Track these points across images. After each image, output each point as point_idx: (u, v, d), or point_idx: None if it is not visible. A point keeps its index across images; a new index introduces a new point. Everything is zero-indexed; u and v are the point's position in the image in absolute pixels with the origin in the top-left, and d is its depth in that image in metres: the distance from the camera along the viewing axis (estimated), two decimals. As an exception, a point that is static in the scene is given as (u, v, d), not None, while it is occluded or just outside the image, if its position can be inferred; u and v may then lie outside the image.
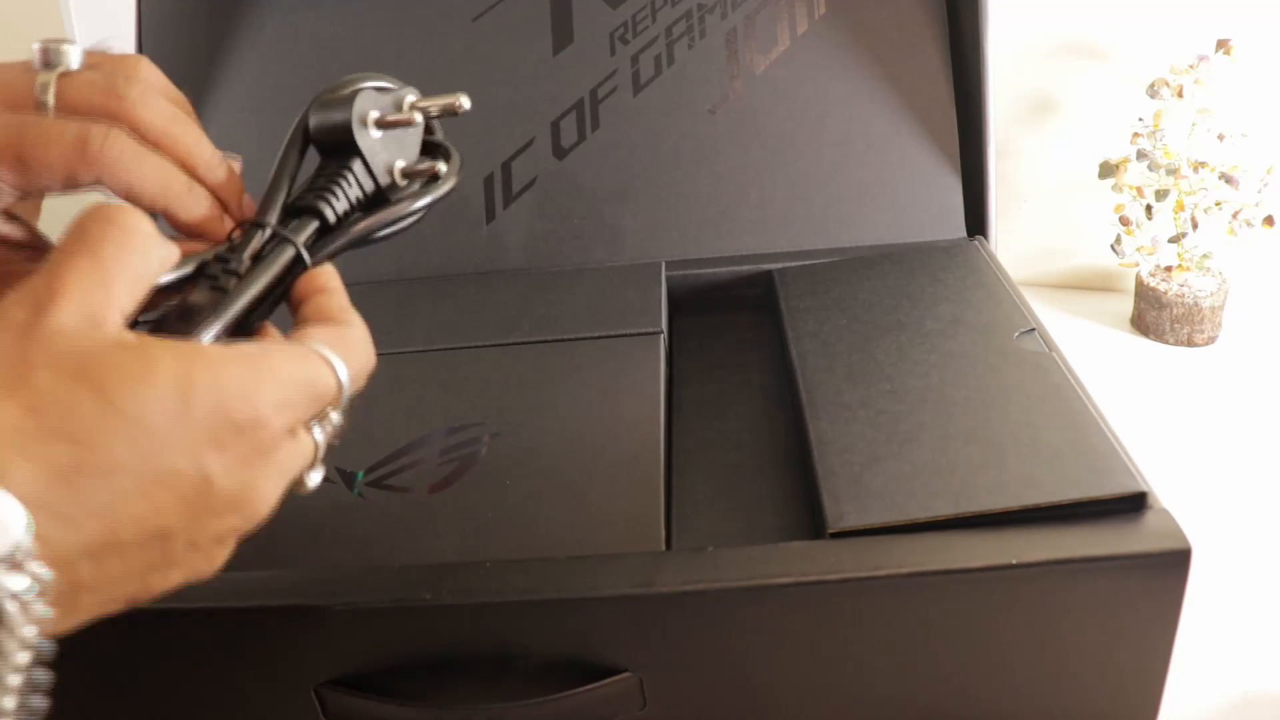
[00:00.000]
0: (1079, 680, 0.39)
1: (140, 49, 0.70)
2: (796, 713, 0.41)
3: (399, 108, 0.35)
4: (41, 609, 0.22)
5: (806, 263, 0.61)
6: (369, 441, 0.48)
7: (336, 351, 0.28)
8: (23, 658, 0.22)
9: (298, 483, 0.29)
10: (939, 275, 0.56)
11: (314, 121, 0.34)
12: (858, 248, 0.62)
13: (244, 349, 0.26)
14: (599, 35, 0.66)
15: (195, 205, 0.32)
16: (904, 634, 0.38)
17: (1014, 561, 0.36)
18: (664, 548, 0.41)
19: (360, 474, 0.46)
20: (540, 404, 0.49)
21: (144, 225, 0.27)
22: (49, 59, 0.31)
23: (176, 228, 0.33)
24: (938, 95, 0.64)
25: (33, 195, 0.32)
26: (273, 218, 0.32)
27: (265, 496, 0.26)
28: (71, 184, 0.30)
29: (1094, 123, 0.85)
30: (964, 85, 0.64)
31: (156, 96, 0.32)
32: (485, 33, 0.67)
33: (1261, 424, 0.72)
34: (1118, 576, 0.36)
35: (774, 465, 0.47)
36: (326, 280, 0.31)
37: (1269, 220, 0.78)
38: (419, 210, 0.34)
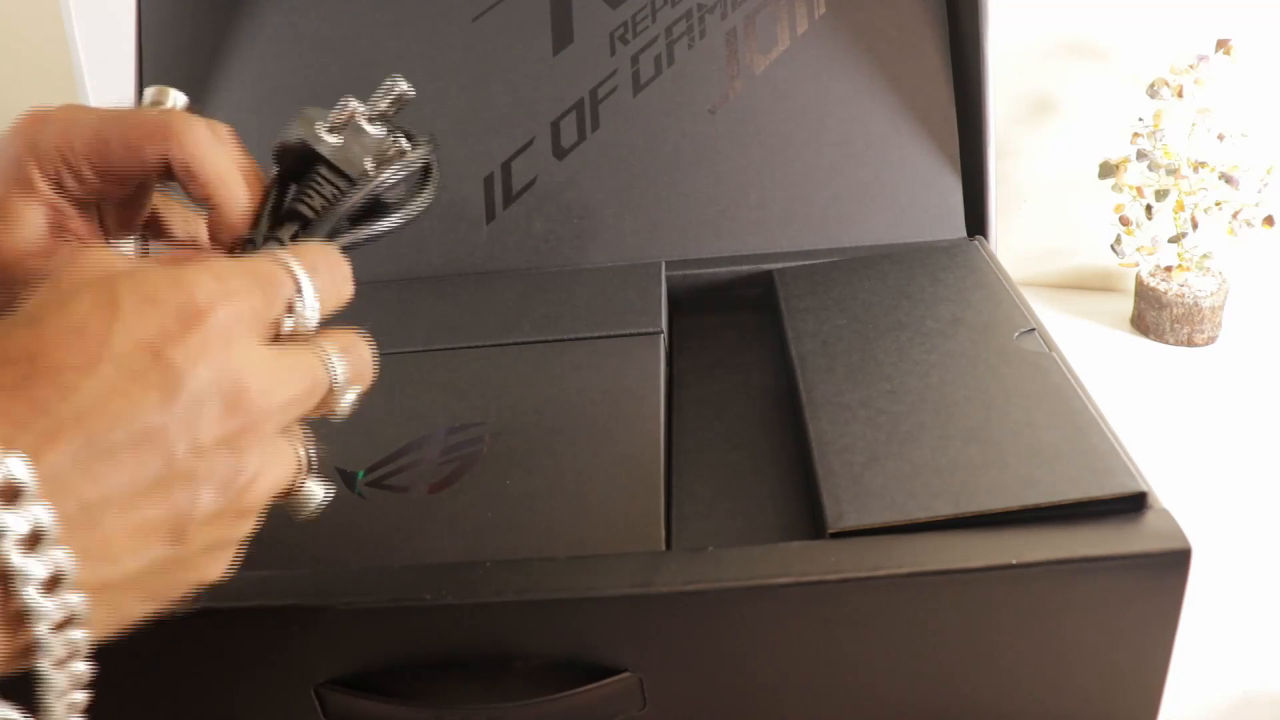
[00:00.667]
0: (1079, 680, 0.39)
1: (140, 49, 0.70)
2: (796, 713, 0.41)
3: (347, 115, 0.37)
4: (60, 554, 0.22)
5: (806, 263, 0.61)
6: (369, 441, 0.48)
7: (341, 354, 0.29)
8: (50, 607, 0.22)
9: (299, 503, 0.30)
10: (939, 275, 0.56)
11: (274, 148, 0.36)
12: (858, 248, 0.62)
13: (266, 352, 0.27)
14: (599, 35, 0.66)
15: (238, 203, 0.34)
16: (904, 634, 0.38)
17: (1014, 561, 0.36)
18: (664, 548, 0.41)
19: (360, 474, 0.46)
20: (540, 404, 0.49)
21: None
22: (158, 98, 0.36)
23: (211, 225, 0.34)
24: (938, 95, 0.64)
25: (111, 187, 0.34)
26: (260, 230, 0.34)
27: (255, 463, 0.27)
28: (146, 169, 0.33)
29: (1094, 123, 0.85)
30: (964, 85, 0.64)
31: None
32: (485, 33, 0.67)
33: (1261, 424, 0.72)
34: (1118, 576, 0.36)
35: (774, 465, 0.47)
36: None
37: (1269, 220, 0.78)
38: (388, 181, 0.35)
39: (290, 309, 0.29)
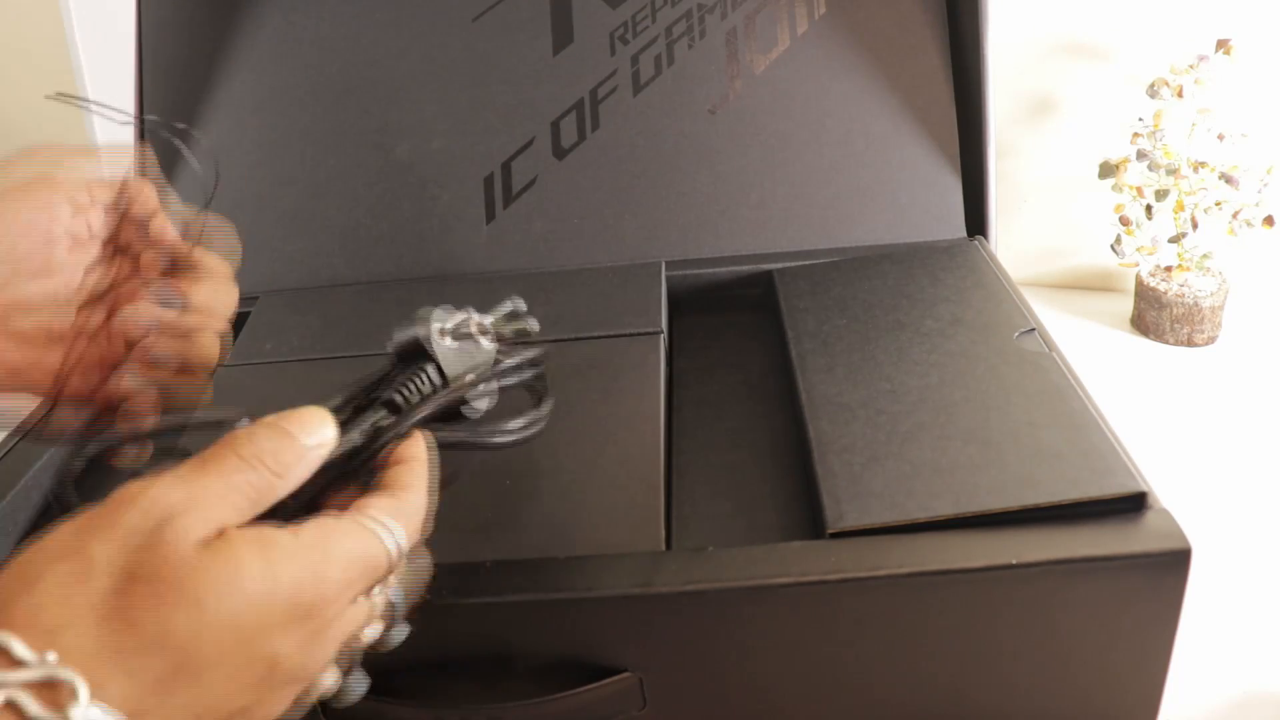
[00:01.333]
0: (1079, 680, 0.39)
1: (140, 49, 0.70)
2: (796, 713, 0.41)
3: (468, 326, 0.39)
4: None
5: (806, 263, 0.61)
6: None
7: (397, 520, 0.30)
8: None
9: (380, 642, 0.31)
10: (939, 275, 0.56)
11: (393, 340, 0.38)
12: (858, 248, 0.62)
13: (311, 534, 0.28)
14: (599, 35, 0.66)
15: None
16: (904, 634, 0.38)
17: (1014, 561, 0.36)
18: (664, 548, 0.41)
19: (360, 474, 0.46)
20: (540, 404, 0.49)
21: (276, 469, 0.29)
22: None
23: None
24: (938, 95, 0.64)
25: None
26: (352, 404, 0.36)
27: (322, 662, 0.28)
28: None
29: (1094, 123, 0.85)
30: (964, 85, 0.64)
31: None
32: (485, 33, 0.67)
33: (1261, 424, 0.72)
34: (1118, 576, 0.36)
35: (774, 465, 0.47)
36: (411, 451, 0.33)
37: (1269, 220, 0.78)
38: (479, 389, 0.38)
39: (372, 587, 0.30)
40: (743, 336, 0.59)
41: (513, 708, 0.39)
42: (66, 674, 0.23)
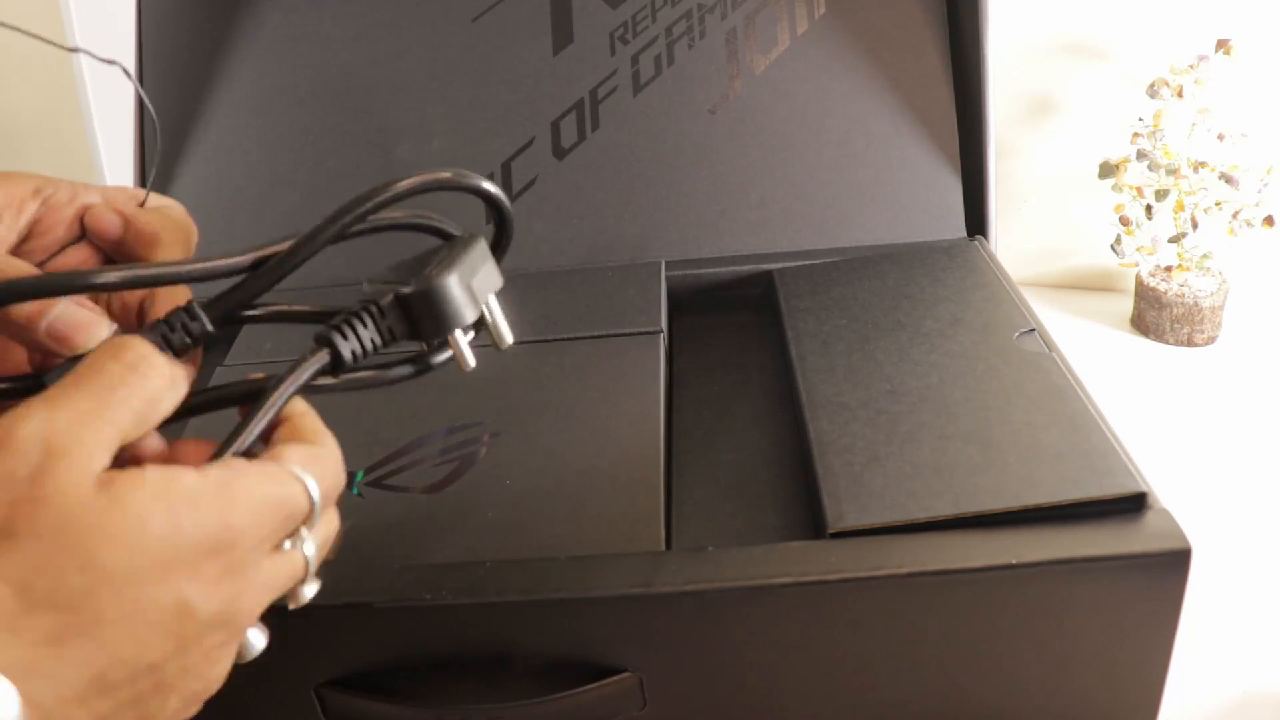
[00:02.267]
0: (1079, 680, 0.39)
1: (140, 49, 0.70)
2: (796, 713, 0.41)
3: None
4: None
5: (806, 263, 0.61)
6: (369, 441, 0.48)
7: (310, 470, 0.28)
8: None
9: (290, 596, 0.29)
10: (939, 275, 0.56)
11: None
12: (858, 248, 0.62)
13: (218, 475, 0.26)
14: (599, 35, 0.66)
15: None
16: (904, 634, 0.38)
17: (1014, 561, 0.36)
18: (664, 548, 0.41)
19: (360, 474, 0.46)
20: (540, 404, 0.49)
21: (151, 360, 0.27)
22: None
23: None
24: (938, 95, 0.64)
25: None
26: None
27: (246, 610, 0.27)
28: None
29: (1094, 123, 0.85)
30: (964, 85, 0.64)
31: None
32: (485, 33, 0.67)
33: (1261, 424, 0.72)
34: (1118, 576, 0.36)
35: (774, 465, 0.47)
36: (303, 404, 0.31)
37: (1269, 220, 0.78)
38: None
39: (293, 533, 0.28)
40: (743, 336, 0.59)
41: (513, 708, 0.39)
42: None
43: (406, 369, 0.33)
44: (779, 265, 0.61)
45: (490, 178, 0.65)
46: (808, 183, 0.64)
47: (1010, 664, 0.39)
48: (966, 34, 0.63)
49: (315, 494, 0.28)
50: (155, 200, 0.36)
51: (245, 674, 0.40)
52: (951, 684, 0.39)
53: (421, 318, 0.31)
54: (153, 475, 0.25)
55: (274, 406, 0.29)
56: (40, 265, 0.34)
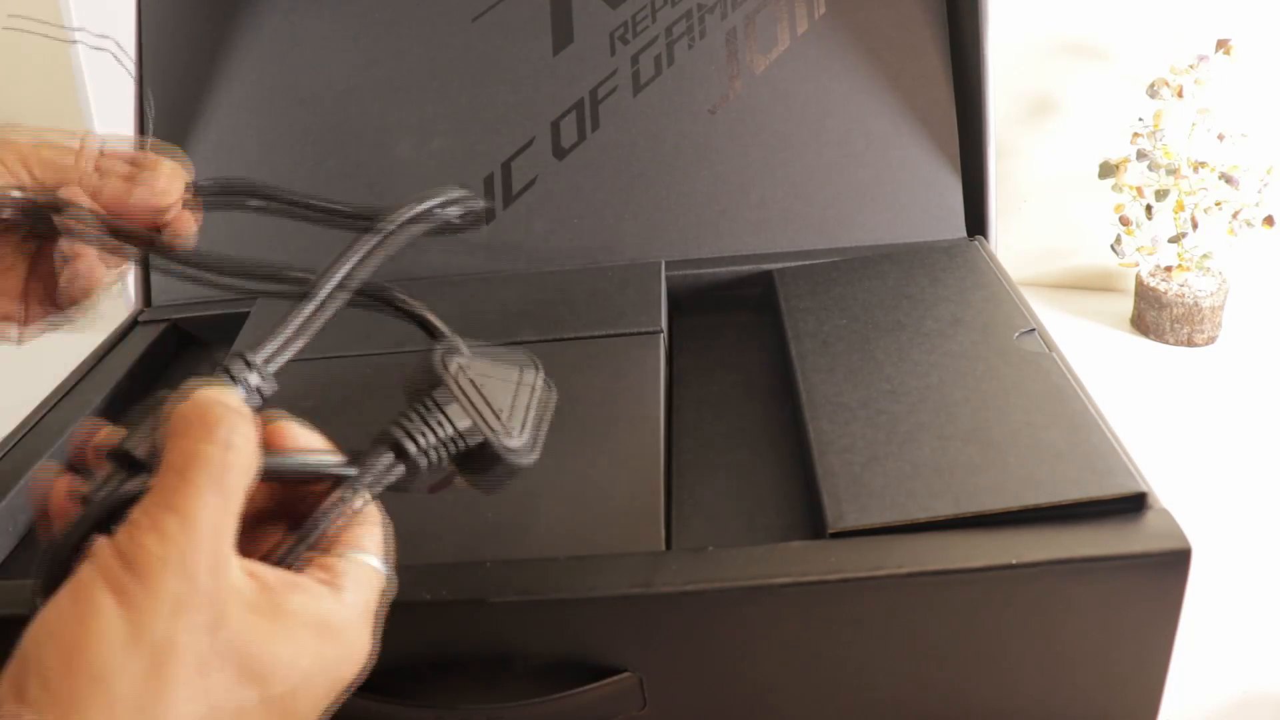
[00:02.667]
0: (1079, 680, 0.39)
1: (140, 49, 0.70)
2: (796, 713, 0.41)
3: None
4: None
5: (806, 263, 0.61)
6: (369, 441, 0.48)
7: (372, 551, 0.30)
8: None
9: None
10: (939, 275, 0.56)
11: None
12: (858, 248, 0.62)
13: (343, 601, 0.27)
14: (599, 35, 0.66)
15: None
16: (904, 634, 0.38)
17: (1014, 561, 0.36)
18: (664, 548, 0.41)
19: (360, 474, 0.46)
20: (540, 404, 0.49)
21: (242, 432, 0.27)
22: None
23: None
24: (938, 95, 0.64)
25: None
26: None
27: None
28: None
29: (1094, 123, 0.85)
30: (964, 85, 0.64)
31: None
32: (485, 33, 0.67)
33: (1261, 424, 0.72)
34: (1118, 576, 0.36)
35: (774, 465, 0.47)
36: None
37: (1269, 220, 0.78)
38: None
39: None
40: (743, 336, 0.59)
41: (513, 708, 0.39)
42: None
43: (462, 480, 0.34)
44: (779, 265, 0.61)
45: (490, 178, 0.66)
46: (808, 183, 0.64)
47: (1010, 664, 0.39)
48: (966, 34, 0.63)
49: (383, 569, 0.30)
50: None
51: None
52: (951, 684, 0.39)
53: (489, 459, 0.32)
54: (299, 598, 0.26)
55: (353, 512, 0.30)
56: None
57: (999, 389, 0.45)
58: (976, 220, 0.63)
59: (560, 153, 0.65)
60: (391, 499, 0.44)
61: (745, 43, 0.66)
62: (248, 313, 0.61)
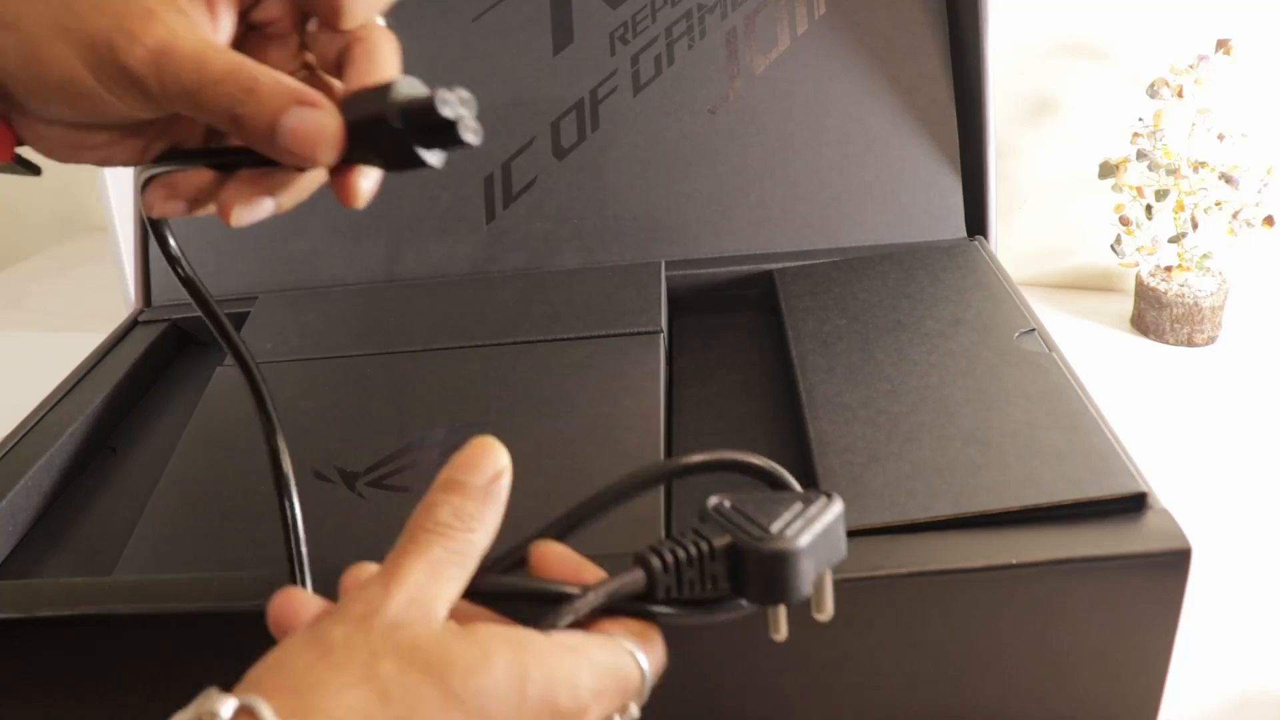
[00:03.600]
0: (1079, 680, 0.39)
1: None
2: (797, 713, 0.41)
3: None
4: None
5: (806, 263, 0.61)
6: (369, 441, 0.48)
7: (642, 649, 0.29)
8: None
9: None
10: (939, 275, 0.56)
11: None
12: (858, 248, 0.62)
13: (566, 639, 0.27)
14: (599, 35, 0.66)
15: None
16: (904, 634, 0.38)
17: (1014, 561, 0.36)
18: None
19: (360, 474, 0.46)
20: (540, 404, 0.49)
21: (466, 525, 0.30)
22: None
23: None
24: (938, 95, 0.64)
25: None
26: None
27: None
28: None
29: (1094, 123, 0.85)
30: (964, 85, 0.64)
31: None
32: (485, 33, 0.67)
33: (1261, 424, 0.72)
34: (1118, 576, 0.36)
35: (774, 465, 0.47)
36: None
37: (1269, 220, 0.78)
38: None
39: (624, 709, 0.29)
40: (743, 336, 0.59)
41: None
42: None
43: (725, 614, 0.31)
44: (779, 265, 0.61)
45: (490, 178, 0.66)
46: (808, 183, 0.64)
47: (1010, 664, 0.39)
48: (966, 34, 0.63)
49: (647, 670, 0.29)
50: None
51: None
52: (951, 684, 0.39)
53: (754, 578, 0.29)
54: (500, 625, 0.27)
55: (578, 614, 0.29)
56: (244, 24, 0.33)
57: (999, 389, 0.45)
58: (976, 220, 0.63)
59: (560, 153, 0.65)
60: (392, 499, 0.45)
61: (745, 43, 0.66)
62: (248, 313, 0.61)
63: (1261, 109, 0.80)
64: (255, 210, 0.32)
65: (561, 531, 0.32)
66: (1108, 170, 0.82)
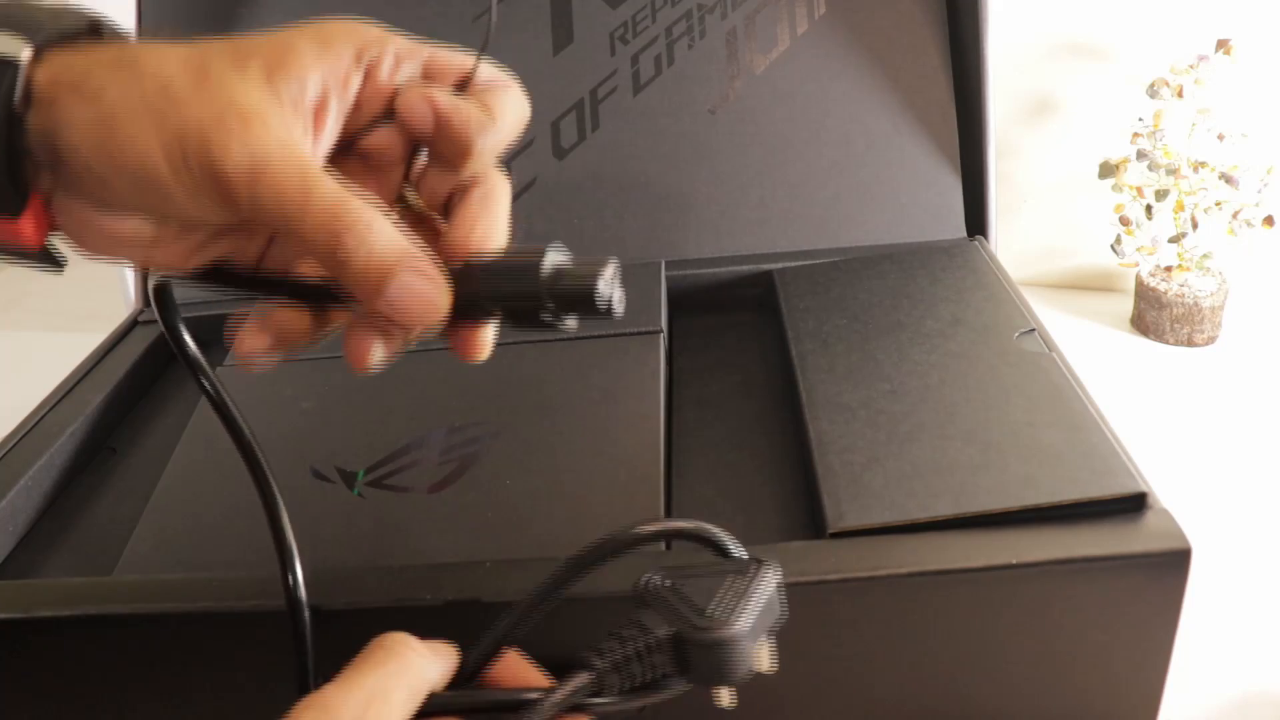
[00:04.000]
0: (1079, 680, 0.39)
1: (140, 49, 0.69)
2: (796, 713, 0.41)
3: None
4: None
5: (806, 263, 0.61)
6: (369, 441, 0.48)
7: None
8: None
9: None
10: (939, 275, 0.56)
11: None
12: (858, 248, 0.62)
13: None
14: (599, 35, 0.66)
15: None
16: (904, 634, 0.38)
17: (1014, 561, 0.36)
18: (664, 548, 0.41)
19: (360, 474, 0.46)
20: (540, 404, 0.49)
21: (416, 650, 0.31)
22: None
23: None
24: (938, 95, 0.64)
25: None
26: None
27: None
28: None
29: (1094, 123, 0.86)
30: (964, 85, 0.64)
31: None
32: (485, 32, 0.67)
33: (1261, 424, 0.72)
34: (1118, 576, 0.36)
35: (774, 465, 0.47)
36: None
37: (1269, 220, 0.78)
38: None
39: None
40: (743, 336, 0.59)
41: (513, 708, 0.39)
42: None
43: (670, 693, 0.31)
44: (779, 265, 0.61)
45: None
46: (808, 183, 0.64)
47: (1010, 664, 0.39)
48: (966, 34, 0.63)
49: None
50: (487, 71, 0.32)
51: (245, 675, 0.40)
52: (951, 684, 0.39)
53: (697, 663, 0.30)
54: None
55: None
56: (346, 145, 0.30)
57: (999, 389, 0.45)
58: (976, 220, 0.63)
59: (560, 153, 0.66)
60: (391, 499, 0.45)
61: (745, 43, 0.66)
62: (248, 313, 0.61)
63: (1261, 109, 0.80)
64: (378, 355, 0.30)
65: (505, 636, 0.34)
66: (1108, 170, 0.82)
